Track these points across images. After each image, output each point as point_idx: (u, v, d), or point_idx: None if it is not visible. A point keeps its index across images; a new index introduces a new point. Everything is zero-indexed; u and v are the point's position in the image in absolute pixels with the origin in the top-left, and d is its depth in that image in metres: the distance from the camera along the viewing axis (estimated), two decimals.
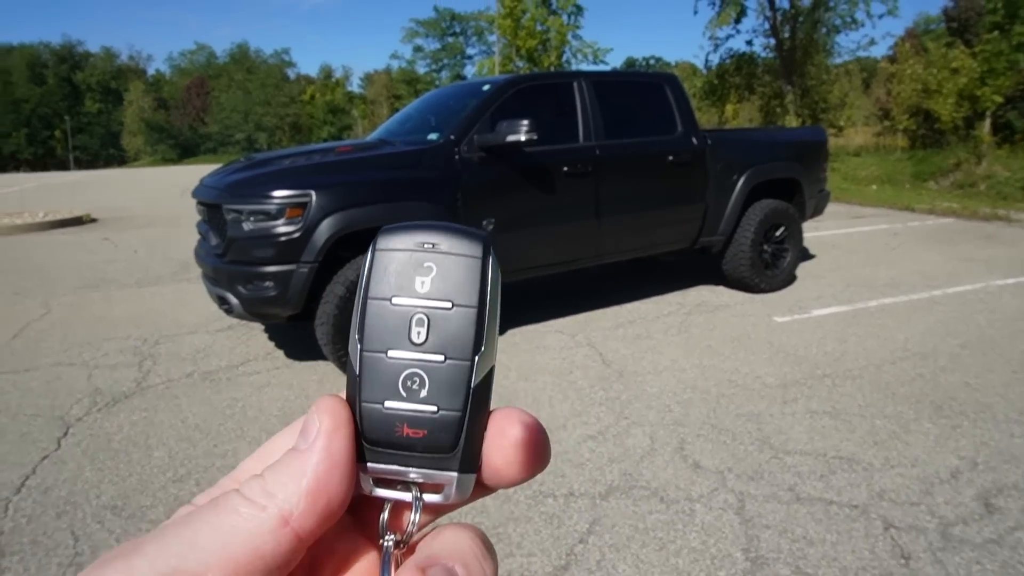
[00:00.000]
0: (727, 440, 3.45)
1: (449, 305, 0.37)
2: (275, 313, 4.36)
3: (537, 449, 0.37)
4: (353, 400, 0.37)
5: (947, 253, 8.27)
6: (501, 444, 0.37)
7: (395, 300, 0.37)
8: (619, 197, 5.50)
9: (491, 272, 0.38)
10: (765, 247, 6.34)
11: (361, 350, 0.37)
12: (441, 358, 0.36)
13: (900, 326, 5.31)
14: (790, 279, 6.68)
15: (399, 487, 0.37)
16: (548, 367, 4.57)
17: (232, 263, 4.35)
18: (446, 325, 0.37)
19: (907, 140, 22.05)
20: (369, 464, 0.37)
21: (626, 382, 4.27)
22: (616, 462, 3.25)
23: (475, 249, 0.38)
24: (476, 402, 0.36)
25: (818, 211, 7.21)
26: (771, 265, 6.43)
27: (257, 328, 5.58)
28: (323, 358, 4.60)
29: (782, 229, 6.44)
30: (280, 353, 5.01)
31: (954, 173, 16.37)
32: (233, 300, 4.33)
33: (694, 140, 5.92)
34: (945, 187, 16.01)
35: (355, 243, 4.38)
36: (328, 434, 0.35)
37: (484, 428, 0.37)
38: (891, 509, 2.81)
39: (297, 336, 5.20)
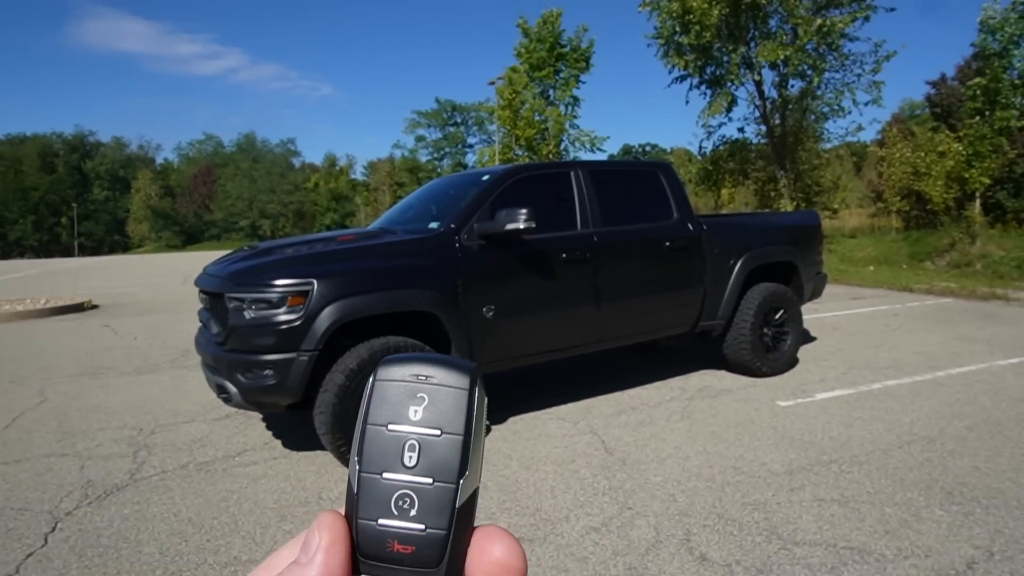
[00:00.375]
0: (734, 531, 3.36)
1: (438, 433, 0.41)
2: (274, 402, 4.32)
3: (514, 567, 0.40)
4: (351, 516, 0.41)
5: (948, 333, 8.26)
6: (482, 561, 0.40)
7: (391, 427, 0.41)
8: (618, 283, 5.54)
9: (477, 402, 0.42)
10: (765, 330, 6.34)
11: (359, 471, 0.41)
12: (430, 481, 0.40)
13: (905, 409, 5.25)
14: (792, 362, 6.65)
15: None
16: (550, 456, 4.50)
17: (232, 351, 4.34)
18: (435, 451, 0.41)
19: (901, 221, 22.41)
20: None
21: (629, 471, 4.19)
22: (620, 555, 3.16)
23: (463, 381, 0.42)
24: (460, 521, 0.40)
25: (816, 293, 7.25)
26: (772, 348, 6.41)
27: (255, 417, 5.52)
28: (321, 448, 4.53)
29: (781, 312, 6.46)
30: (278, 443, 4.94)
31: (949, 253, 16.56)
32: (232, 389, 4.30)
33: (690, 226, 6.01)
34: (941, 267, 16.16)
35: (356, 331, 4.38)
36: (327, 549, 0.39)
37: (467, 545, 0.41)
38: None
39: (295, 425, 5.14)
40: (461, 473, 0.40)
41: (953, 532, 3.27)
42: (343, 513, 0.41)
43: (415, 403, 0.41)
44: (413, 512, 0.40)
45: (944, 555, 3.06)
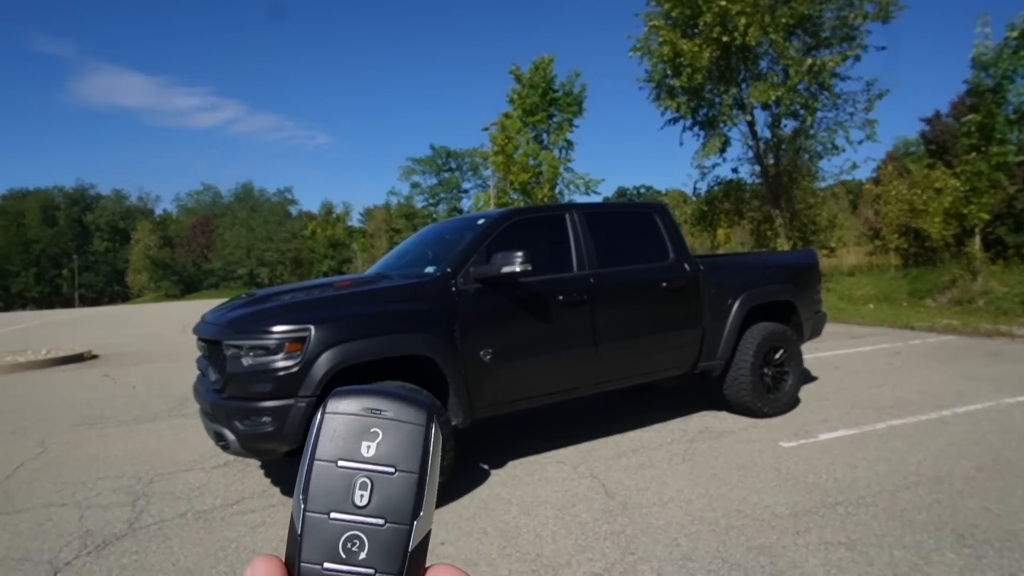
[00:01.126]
0: None
1: (392, 470, 0.38)
2: (272, 449, 4.29)
3: None
4: (292, 560, 0.39)
5: (952, 371, 8.21)
6: None
7: (341, 463, 0.39)
8: (615, 324, 5.53)
9: (433, 439, 0.40)
10: (765, 370, 6.31)
11: (304, 510, 0.38)
12: (381, 522, 0.38)
13: (911, 449, 5.19)
14: (793, 402, 6.60)
15: None
16: (550, 500, 4.44)
17: (230, 398, 4.32)
18: (388, 489, 0.38)
19: (900, 259, 22.44)
20: None
21: (631, 515, 4.13)
22: None
23: (419, 417, 0.40)
24: (412, 566, 0.38)
25: (816, 332, 7.23)
26: (773, 388, 6.37)
27: (253, 464, 5.47)
28: None
29: (781, 352, 6.43)
30: (276, 490, 4.89)
31: (951, 290, 16.52)
32: (230, 436, 4.27)
33: (686, 266, 6.03)
34: (943, 304, 16.12)
35: (354, 376, 4.37)
36: None
37: None
38: None
39: (294, 472, 5.08)
40: (415, 514, 0.38)
41: None
42: (284, 557, 0.39)
43: (368, 438, 0.39)
44: (362, 555, 0.37)
45: None
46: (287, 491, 4.84)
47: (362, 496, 0.38)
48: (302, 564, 0.38)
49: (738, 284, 6.35)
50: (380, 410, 0.40)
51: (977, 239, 17.65)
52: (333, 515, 0.38)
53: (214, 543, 3.95)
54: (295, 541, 0.38)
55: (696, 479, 4.72)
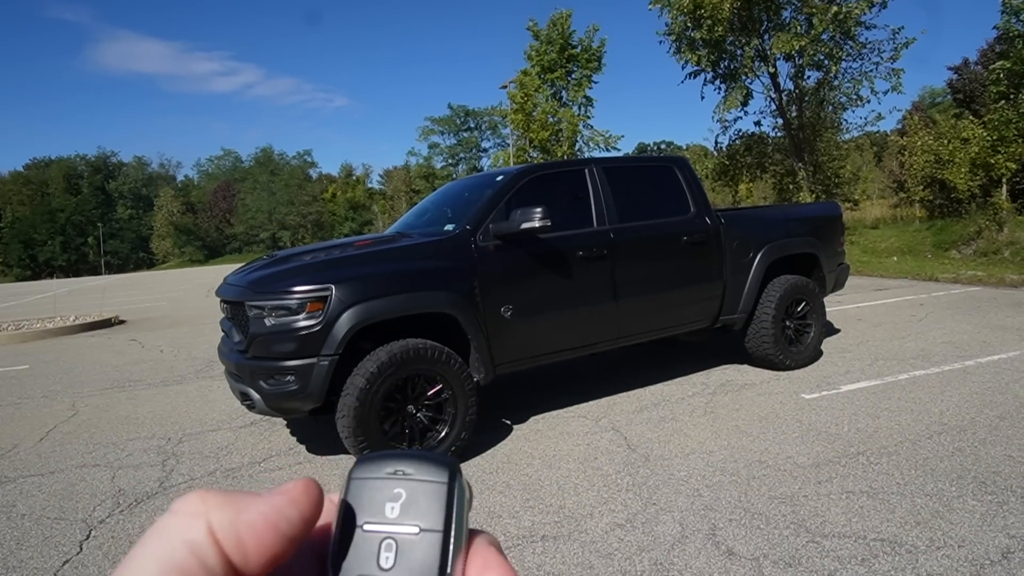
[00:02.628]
0: (761, 524, 3.32)
1: (416, 530, 0.38)
2: (296, 407, 4.36)
3: None
4: None
5: (976, 322, 8.12)
6: None
7: (366, 527, 0.38)
8: (636, 279, 5.51)
9: (457, 496, 0.39)
10: (788, 323, 6.28)
11: None
12: None
13: (934, 399, 5.17)
14: (816, 355, 6.58)
15: None
16: (572, 454, 4.49)
17: (254, 359, 4.38)
18: (413, 550, 0.37)
19: (924, 211, 22.03)
20: None
21: (652, 467, 4.16)
22: (646, 551, 3.14)
23: (441, 475, 0.39)
24: None
25: (839, 285, 7.16)
26: (795, 341, 6.34)
27: (279, 423, 5.57)
28: (345, 451, 4.56)
29: (803, 304, 6.39)
30: (302, 448, 4.98)
31: (976, 241, 16.25)
32: (255, 396, 4.34)
33: (707, 220, 5.97)
34: (968, 255, 15.87)
35: (375, 334, 4.40)
36: (290, 498, 0.36)
37: None
38: None
39: (319, 430, 5.17)
40: (441, 573, 0.37)
41: (987, 522, 3.21)
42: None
43: (391, 499, 0.39)
44: None
45: (978, 545, 3.00)
46: (313, 449, 4.94)
47: (387, 558, 0.37)
48: None
49: (760, 237, 6.29)
50: (403, 471, 0.40)
51: (1004, 189, 17.27)
52: None
53: None
54: None
55: (718, 431, 4.74)
